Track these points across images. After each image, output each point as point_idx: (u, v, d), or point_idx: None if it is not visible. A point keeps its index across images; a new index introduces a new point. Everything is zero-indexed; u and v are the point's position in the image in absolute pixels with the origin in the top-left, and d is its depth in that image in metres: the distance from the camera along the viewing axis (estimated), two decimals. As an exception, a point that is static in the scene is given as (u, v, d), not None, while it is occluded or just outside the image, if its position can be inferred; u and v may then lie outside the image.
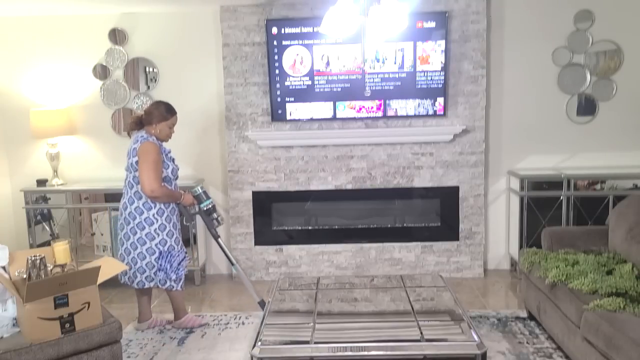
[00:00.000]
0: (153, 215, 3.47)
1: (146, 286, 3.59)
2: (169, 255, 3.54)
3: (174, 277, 3.58)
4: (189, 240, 4.60)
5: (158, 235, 3.49)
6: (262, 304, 3.68)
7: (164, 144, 3.58)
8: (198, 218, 3.82)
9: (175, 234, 3.57)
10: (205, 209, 3.65)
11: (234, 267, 3.86)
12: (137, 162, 3.41)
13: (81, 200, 4.73)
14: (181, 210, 3.63)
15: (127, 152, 3.53)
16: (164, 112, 3.50)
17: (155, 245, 3.50)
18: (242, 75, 4.53)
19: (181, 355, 3.38)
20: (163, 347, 3.49)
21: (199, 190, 3.65)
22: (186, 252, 3.71)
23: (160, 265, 3.53)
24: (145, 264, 3.52)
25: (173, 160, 3.59)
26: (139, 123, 3.56)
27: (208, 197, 3.68)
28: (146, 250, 3.50)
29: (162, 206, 3.49)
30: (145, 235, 3.48)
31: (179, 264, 3.59)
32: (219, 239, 3.75)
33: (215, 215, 3.69)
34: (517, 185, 4.47)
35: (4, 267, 2.82)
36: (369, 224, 4.81)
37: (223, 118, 4.63)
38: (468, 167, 4.56)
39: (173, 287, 3.60)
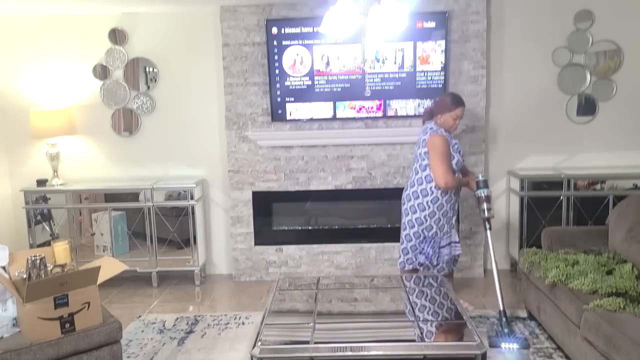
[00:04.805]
0: (427, 202, 3.54)
1: (406, 268, 3.65)
2: (432, 240, 3.60)
3: (435, 262, 3.63)
4: (188, 240, 4.60)
5: (426, 220, 3.56)
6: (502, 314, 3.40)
7: (452, 136, 3.62)
8: None
9: (442, 221, 3.59)
10: (477, 196, 3.60)
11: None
12: (425, 153, 3.52)
13: (81, 200, 4.73)
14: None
15: (417, 140, 3.67)
16: (450, 103, 3.55)
17: (422, 230, 3.58)
18: (242, 75, 4.53)
19: (181, 355, 3.38)
20: (163, 347, 3.49)
21: (479, 177, 3.61)
22: (458, 242, 3.66)
23: (422, 248, 3.60)
24: (410, 247, 3.64)
25: (459, 152, 3.61)
26: (431, 113, 3.64)
27: (479, 187, 3.58)
28: (413, 233, 3.60)
29: (438, 195, 3.52)
30: (415, 219, 3.57)
31: (440, 249, 3.61)
32: (487, 231, 3.59)
33: (484, 206, 3.55)
34: (517, 185, 4.47)
35: (4, 267, 2.82)
36: (369, 224, 4.81)
37: (223, 118, 4.63)
38: (468, 167, 4.55)
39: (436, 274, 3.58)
